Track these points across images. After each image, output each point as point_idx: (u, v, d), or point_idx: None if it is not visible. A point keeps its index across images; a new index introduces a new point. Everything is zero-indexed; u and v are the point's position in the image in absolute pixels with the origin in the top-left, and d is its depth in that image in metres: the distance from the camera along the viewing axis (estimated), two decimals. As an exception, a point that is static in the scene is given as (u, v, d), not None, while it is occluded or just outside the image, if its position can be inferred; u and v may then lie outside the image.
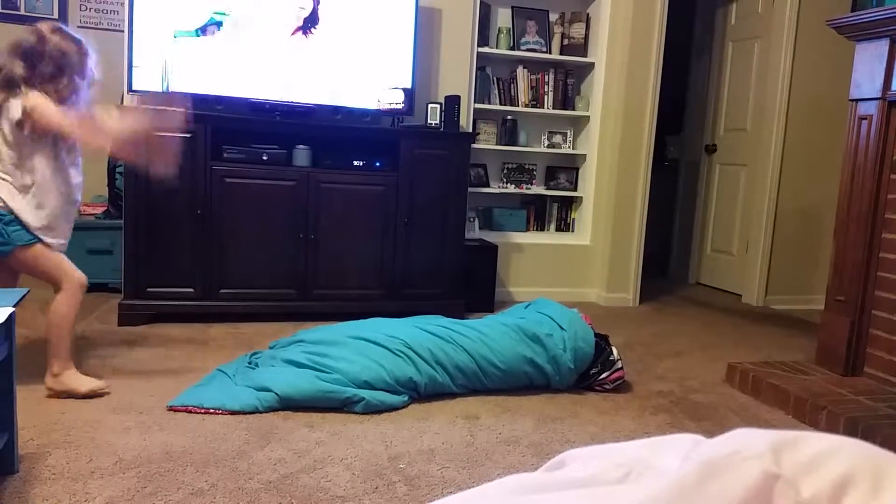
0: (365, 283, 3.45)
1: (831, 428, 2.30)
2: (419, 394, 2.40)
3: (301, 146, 3.36)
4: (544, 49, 4.24)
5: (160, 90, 3.23)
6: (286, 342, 2.64)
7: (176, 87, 3.24)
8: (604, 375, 2.60)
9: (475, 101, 4.04)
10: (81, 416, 2.10)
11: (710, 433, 0.64)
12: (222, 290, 3.24)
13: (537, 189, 4.38)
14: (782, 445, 0.53)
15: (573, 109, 4.33)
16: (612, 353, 2.63)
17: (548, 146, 4.34)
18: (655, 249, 4.83)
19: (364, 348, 2.43)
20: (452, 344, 2.48)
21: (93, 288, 3.69)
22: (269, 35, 3.35)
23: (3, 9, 4.33)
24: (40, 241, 2.20)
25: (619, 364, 2.62)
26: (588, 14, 4.29)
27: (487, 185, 4.24)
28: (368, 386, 2.31)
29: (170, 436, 2.00)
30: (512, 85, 4.23)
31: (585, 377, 2.60)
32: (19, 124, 2.11)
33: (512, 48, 4.18)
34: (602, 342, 2.65)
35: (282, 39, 3.37)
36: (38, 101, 2.11)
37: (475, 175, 4.16)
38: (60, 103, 2.17)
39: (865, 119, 2.67)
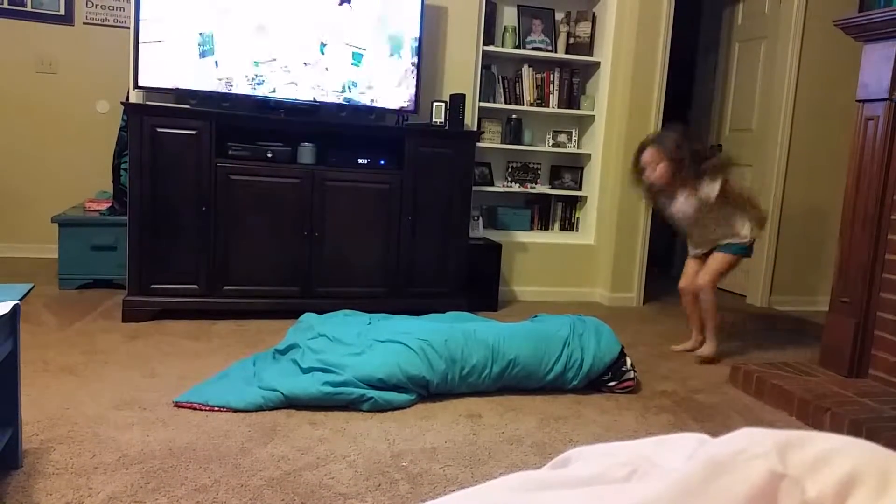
0: (369, 280, 3.45)
1: (835, 429, 2.29)
2: (429, 392, 2.40)
3: (306, 143, 3.36)
4: (550, 48, 4.24)
5: (166, 87, 3.25)
6: (309, 336, 2.61)
7: (181, 83, 3.25)
8: (613, 384, 2.60)
9: (480, 100, 4.03)
10: (85, 411, 2.11)
11: (714, 434, 0.63)
12: (226, 287, 3.25)
13: (542, 188, 4.37)
14: (788, 445, 0.53)
15: (578, 109, 4.32)
16: (625, 363, 2.62)
17: (552, 145, 4.34)
18: (659, 249, 4.82)
19: (381, 347, 2.44)
20: (473, 342, 2.47)
21: (97, 284, 3.74)
22: (274, 31, 3.35)
23: (9, 5, 4.34)
24: None
25: (632, 374, 2.62)
26: (594, 13, 4.28)
27: (492, 184, 4.24)
28: (381, 384, 2.30)
29: (173, 432, 2.00)
30: (517, 84, 4.23)
31: (595, 382, 2.60)
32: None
33: (517, 47, 4.18)
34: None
35: (287, 36, 3.37)
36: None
37: (479, 174, 4.16)
38: None
39: (872, 120, 2.66)
